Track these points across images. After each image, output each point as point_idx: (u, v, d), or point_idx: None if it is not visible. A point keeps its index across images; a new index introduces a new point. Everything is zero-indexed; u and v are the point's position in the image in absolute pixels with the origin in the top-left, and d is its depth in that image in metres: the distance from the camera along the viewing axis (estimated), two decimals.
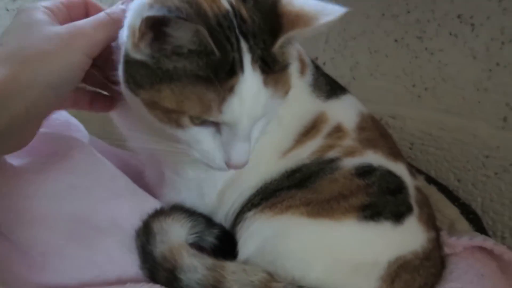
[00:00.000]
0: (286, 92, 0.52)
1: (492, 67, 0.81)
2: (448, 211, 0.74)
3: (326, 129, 0.66)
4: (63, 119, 0.68)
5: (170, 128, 0.48)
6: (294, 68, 0.66)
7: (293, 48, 0.53)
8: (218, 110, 0.46)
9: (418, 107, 0.92)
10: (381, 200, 0.62)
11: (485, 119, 0.82)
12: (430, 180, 0.82)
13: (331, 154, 0.64)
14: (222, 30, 0.45)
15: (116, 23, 0.51)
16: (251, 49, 0.46)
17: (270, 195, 0.62)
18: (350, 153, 0.65)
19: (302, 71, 0.67)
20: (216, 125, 0.49)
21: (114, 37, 0.51)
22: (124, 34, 0.49)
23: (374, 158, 0.66)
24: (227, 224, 0.66)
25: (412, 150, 0.93)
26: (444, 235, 0.65)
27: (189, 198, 0.65)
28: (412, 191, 0.65)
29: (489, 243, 0.63)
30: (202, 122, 0.48)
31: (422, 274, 0.60)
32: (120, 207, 0.60)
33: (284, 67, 0.50)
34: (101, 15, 0.52)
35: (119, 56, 0.50)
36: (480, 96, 0.82)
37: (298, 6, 0.48)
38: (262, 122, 0.52)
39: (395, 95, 0.96)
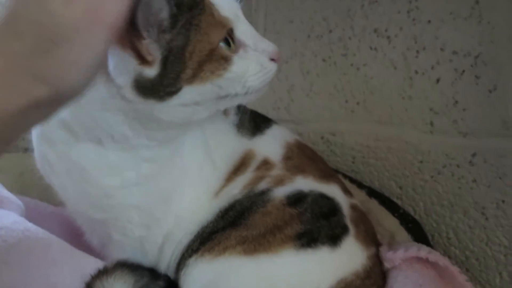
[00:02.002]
0: None
1: (412, 75, 0.83)
2: (388, 223, 0.76)
3: (254, 163, 0.68)
4: None
5: (225, 71, 0.52)
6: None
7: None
8: (224, 17, 0.52)
9: (353, 121, 0.95)
10: (315, 225, 0.62)
11: (414, 125, 0.84)
12: (372, 193, 0.84)
13: (262, 185, 0.65)
14: None
15: None
16: None
17: (208, 239, 0.63)
18: (280, 181, 0.66)
19: (225, 113, 0.69)
20: (242, 47, 0.53)
21: None
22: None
23: (304, 183, 0.67)
24: (170, 271, 0.66)
25: (354, 163, 0.95)
26: (382, 250, 0.66)
27: (134, 256, 0.66)
28: (347, 211, 0.67)
29: (423, 252, 0.64)
30: (232, 50, 0.52)
31: None
32: (58, 273, 0.60)
33: None
34: None
35: None
36: (406, 104, 0.85)
37: None
38: None
39: (331, 112, 0.99)
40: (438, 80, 0.80)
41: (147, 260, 0.66)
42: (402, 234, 0.74)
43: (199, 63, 0.50)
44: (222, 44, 0.52)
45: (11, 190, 0.83)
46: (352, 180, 0.87)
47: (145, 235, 0.64)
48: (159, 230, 0.64)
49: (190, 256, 0.63)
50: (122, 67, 0.49)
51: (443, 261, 0.64)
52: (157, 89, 0.50)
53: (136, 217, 0.62)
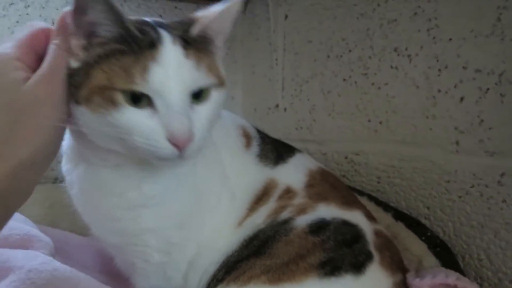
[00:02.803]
0: (218, 77, 0.56)
1: (435, 94, 0.82)
2: (415, 248, 0.74)
3: (276, 193, 0.68)
4: (22, 233, 0.70)
5: (108, 113, 0.50)
6: (239, 143, 0.70)
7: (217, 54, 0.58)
8: (142, 78, 0.49)
9: (377, 141, 0.94)
10: (338, 253, 0.62)
11: (439, 145, 0.83)
12: (398, 216, 0.82)
13: (284, 214, 0.65)
14: (141, 24, 0.54)
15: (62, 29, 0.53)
16: (169, 31, 0.53)
17: (233, 268, 0.63)
18: (302, 210, 0.66)
19: (247, 144, 0.71)
20: (151, 107, 0.51)
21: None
22: None
23: (327, 210, 0.67)
24: None
25: (380, 183, 0.94)
26: (409, 276, 0.65)
27: (158, 284, 0.66)
28: (370, 237, 0.66)
29: (451, 279, 0.62)
30: (137, 104, 0.50)
31: None
32: None
33: (206, 50, 0.56)
34: (51, 52, 0.52)
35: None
36: (430, 123, 0.84)
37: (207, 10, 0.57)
38: (203, 109, 0.54)
39: (354, 132, 0.98)
40: (462, 99, 0.79)
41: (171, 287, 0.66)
42: (430, 259, 0.72)
43: (91, 90, 0.50)
44: (122, 92, 0.50)
45: (40, 221, 0.85)
46: (378, 202, 0.86)
47: (167, 261, 0.64)
48: (181, 256, 0.65)
49: (215, 285, 0.63)
50: None
51: (472, 287, 0.62)
52: (72, 83, 0.51)
53: (152, 241, 0.63)
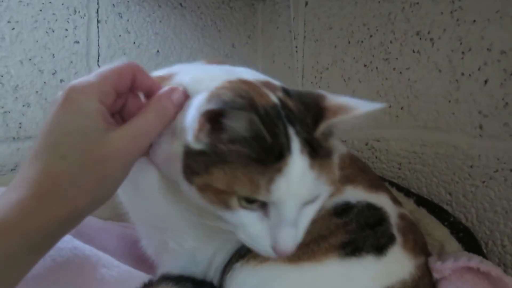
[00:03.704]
0: (333, 182, 0.53)
1: (458, 77, 0.81)
2: (437, 233, 0.73)
3: None
4: None
5: (219, 210, 0.50)
6: None
7: (336, 140, 0.55)
8: (266, 190, 0.47)
9: (398, 127, 0.92)
10: (361, 235, 0.62)
11: (462, 129, 0.81)
12: (420, 202, 0.81)
13: None
14: (271, 119, 0.48)
15: (177, 108, 0.52)
16: (298, 134, 0.49)
17: None
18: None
19: None
20: (264, 210, 0.50)
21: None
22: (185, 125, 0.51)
23: (353, 193, 0.66)
24: (216, 274, 0.66)
25: (401, 170, 0.93)
26: (431, 260, 0.64)
27: (186, 265, 0.67)
28: (394, 220, 0.65)
29: (474, 262, 0.61)
30: (249, 205, 0.49)
31: None
32: None
33: (328, 153, 0.52)
34: (165, 105, 0.52)
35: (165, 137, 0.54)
36: (453, 107, 0.82)
37: (341, 99, 0.51)
38: (310, 210, 0.53)
39: (375, 118, 0.97)
40: (486, 82, 0.77)
41: (197, 269, 0.67)
42: (452, 244, 0.71)
43: (207, 186, 0.49)
44: (240, 198, 0.49)
45: None
46: (400, 188, 0.85)
47: (198, 247, 0.65)
48: (212, 244, 0.65)
49: (237, 260, 0.63)
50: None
51: (495, 271, 0.60)
52: (189, 164, 0.50)
53: (193, 232, 0.63)
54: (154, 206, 0.62)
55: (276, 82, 0.55)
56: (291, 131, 0.49)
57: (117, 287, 0.62)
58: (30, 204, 0.44)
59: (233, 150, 0.48)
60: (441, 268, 0.62)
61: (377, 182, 0.72)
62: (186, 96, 0.53)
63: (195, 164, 0.49)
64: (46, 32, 0.97)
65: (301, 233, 0.52)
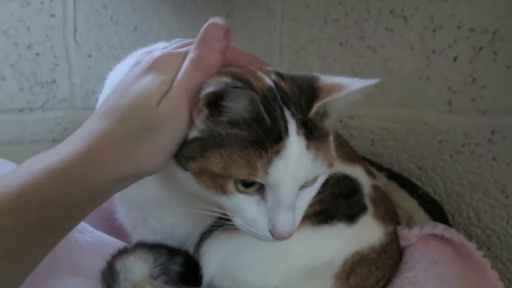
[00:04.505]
0: (330, 164, 0.53)
1: (429, 54, 0.83)
2: (406, 204, 0.76)
3: None
4: None
5: (215, 195, 0.50)
6: None
7: (332, 121, 0.55)
8: (264, 172, 0.47)
9: (372, 104, 0.94)
10: (334, 205, 0.64)
11: (432, 105, 0.84)
12: (391, 176, 0.83)
13: None
14: (269, 101, 0.49)
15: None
16: (294, 116, 0.49)
17: None
18: None
19: None
20: (261, 194, 0.50)
21: None
22: None
23: None
24: (193, 242, 0.67)
25: (373, 146, 0.95)
26: (399, 229, 0.67)
27: (163, 239, 0.67)
28: (367, 191, 0.68)
29: (438, 229, 0.64)
30: (246, 189, 0.50)
31: (379, 267, 0.62)
32: (80, 253, 0.63)
33: (324, 135, 0.52)
34: (183, 68, 0.50)
35: None
36: (424, 84, 0.84)
37: (334, 79, 0.52)
38: (308, 194, 0.53)
39: None
40: (455, 59, 0.79)
41: (173, 242, 0.67)
42: (420, 214, 0.74)
43: (203, 171, 0.49)
44: (235, 180, 0.49)
45: None
46: (372, 163, 0.87)
47: (178, 224, 0.66)
48: (192, 219, 0.66)
49: (216, 228, 0.64)
50: None
51: (458, 237, 0.63)
52: (183, 153, 0.50)
53: (178, 210, 0.64)
54: (142, 186, 0.62)
55: (269, 67, 0.56)
56: (287, 113, 0.49)
57: (90, 252, 0.63)
58: (91, 160, 0.46)
59: (231, 134, 0.48)
60: (408, 236, 0.65)
61: (353, 155, 0.74)
62: None
63: (190, 150, 0.49)
64: (22, 4, 0.96)
65: (299, 217, 0.52)
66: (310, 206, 0.62)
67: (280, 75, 0.54)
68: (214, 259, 0.62)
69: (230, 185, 0.49)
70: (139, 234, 0.70)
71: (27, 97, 1.00)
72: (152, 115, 0.48)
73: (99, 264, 0.62)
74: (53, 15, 1.00)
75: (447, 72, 0.81)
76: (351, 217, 0.63)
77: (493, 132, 0.76)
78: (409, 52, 0.86)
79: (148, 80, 0.49)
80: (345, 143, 0.77)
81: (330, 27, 1.01)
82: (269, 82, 0.51)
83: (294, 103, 0.50)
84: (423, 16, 0.83)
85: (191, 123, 0.49)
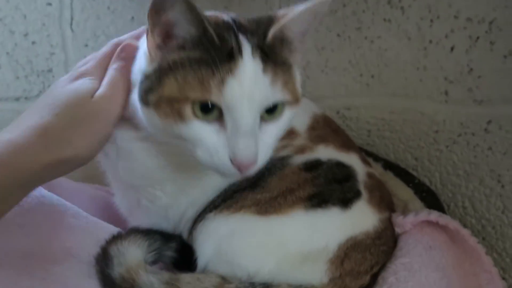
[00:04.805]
0: (293, 95, 0.54)
1: (426, 45, 0.83)
2: (402, 193, 0.76)
3: None
4: None
5: (175, 124, 0.51)
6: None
7: (296, 53, 0.57)
8: (218, 90, 0.49)
9: (368, 95, 0.94)
10: (328, 188, 0.64)
11: (429, 96, 0.84)
12: (387, 166, 0.84)
13: (283, 152, 0.67)
14: (219, 26, 0.52)
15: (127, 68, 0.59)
16: (249, 40, 0.51)
17: (230, 197, 0.64)
18: (301, 150, 0.67)
19: None
20: (220, 122, 0.51)
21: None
22: (139, 65, 0.57)
23: (325, 151, 0.68)
24: (187, 225, 0.67)
25: (370, 137, 0.95)
26: (394, 216, 0.67)
27: (157, 222, 0.68)
28: (362, 178, 0.68)
29: (433, 216, 0.64)
30: (205, 116, 0.50)
31: (373, 253, 0.62)
32: (73, 238, 0.63)
33: (284, 63, 0.54)
34: (108, 75, 0.59)
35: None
36: (420, 74, 0.84)
37: (290, 9, 0.54)
38: (272, 128, 0.54)
39: (346, 87, 0.99)
40: (452, 49, 0.79)
41: (168, 224, 0.68)
42: (415, 203, 0.74)
43: (161, 98, 0.51)
44: (193, 105, 0.50)
45: None
46: (368, 154, 0.87)
47: (170, 204, 0.66)
48: (186, 200, 0.66)
49: (210, 211, 0.64)
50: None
51: (453, 224, 0.64)
52: (144, 88, 0.53)
53: (169, 188, 0.65)
54: (132, 163, 0.63)
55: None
56: (242, 38, 0.52)
57: (84, 236, 0.63)
58: (21, 146, 0.51)
59: (183, 57, 0.50)
60: (403, 223, 0.65)
61: (349, 143, 0.74)
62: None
63: (149, 82, 0.52)
64: None
65: (263, 151, 0.52)
66: (304, 188, 0.63)
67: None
68: (208, 242, 0.63)
69: (188, 110, 0.50)
70: (134, 218, 0.71)
71: (23, 85, 1.00)
72: (87, 106, 0.55)
73: (93, 249, 0.62)
74: (49, 4, 1.00)
75: (444, 62, 0.81)
76: (345, 202, 0.63)
77: (489, 122, 0.76)
78: (406, 43, 0.86)
79: (81, 82, 0.58)
80: (340, 131, 0.77)
81: (328, 18, 1.01)
82: (226, 17, 0.55)
83: (251, 31, 0.53)
84: (420, 6, 0.83)
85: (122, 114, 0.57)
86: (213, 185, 0.66)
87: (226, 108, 0.50)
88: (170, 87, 0.50)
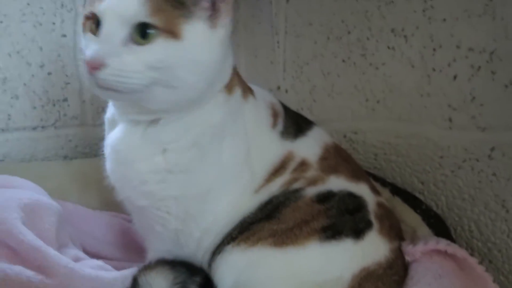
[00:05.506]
0: (169, 27, 0.57)
1: (430, 72, 0.85)
2: (410, 219, 0.78)
3: (292, 165, 0.71)
4: (31, 200, 0.75)
5: (84, 37, 0.60)
6: (267, 123, 0.72)
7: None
8: (99, 3, 0.57)
9: (374, 119, 0.97)
10: (340, 220, 0.66)
11: (433, 121, 0.86)
12: (395, 191, 0.86)
13: (296, 185, 0.69)
14: None
15: None
16: None
17: (246, 229, 0.67)
18: (313, 182, 0.70)
19: (274, 124, 0.72)
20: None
21: None
22: None
23: (336, 182, 0.71)
24: (206, 257, 0.69)
25: (376, 160, 0.98)
26: (404, 244, 0.69)
27: (171, 249, 0.70)
28: (372, 208, 0.70)
29: (442, 244, 0.66)
30: (96, 30, 0.57)
31: (385, 283, 0.64)
32: None
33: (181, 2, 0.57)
34: None
35: None
36: (424, 101, 0.87)
37: None
38: (141, 53, 0.56)
39: (352, 111, 1.01)
40: (455, 77, 0.82)
41: (183, 252, 0.70)
42: (423, 229, 0.76)
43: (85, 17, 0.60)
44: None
45: (51, 195, 0.89)
46: (376, 179, 0.89)
47: (181, 229, 0.68)
48: (195, 226, 0.68)
49: (228, 243, 0.67)
50: None
51: (461, 252, 0.66)
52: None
53: (173, 208, 0.66)
54: (129, 171, 0.65)
55: None
56: None
57: None
58: None
59: None
60: (412, 251, 0.68)
61: (359, 172, 0.77)
62: None
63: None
64: (34, 25, 0.99)
65: (119, 62, 0.56)
66: (318, 220, 0.65)
67: None
68: (228, 275, 0.65)
69: (87, 25, 0.59)
70: (150, 243, 0.73)
71: (39, 115, 1.03)
72: None
73: None
74: (64, 35, 1.03)
75: (447, 89, 0.83)
76: (358, 233, 0.66)
77: (492, 149, 0.78)
78: (410, 70, 0.89)
79: None
80: (350, 159, 0.79)
81: (333, 44, 1.04)
82: None
83: None
84: (423, 35, 0.86)
85: None
86: (224, 214, 0.68)
87: (100, 18, 0.57)
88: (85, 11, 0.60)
